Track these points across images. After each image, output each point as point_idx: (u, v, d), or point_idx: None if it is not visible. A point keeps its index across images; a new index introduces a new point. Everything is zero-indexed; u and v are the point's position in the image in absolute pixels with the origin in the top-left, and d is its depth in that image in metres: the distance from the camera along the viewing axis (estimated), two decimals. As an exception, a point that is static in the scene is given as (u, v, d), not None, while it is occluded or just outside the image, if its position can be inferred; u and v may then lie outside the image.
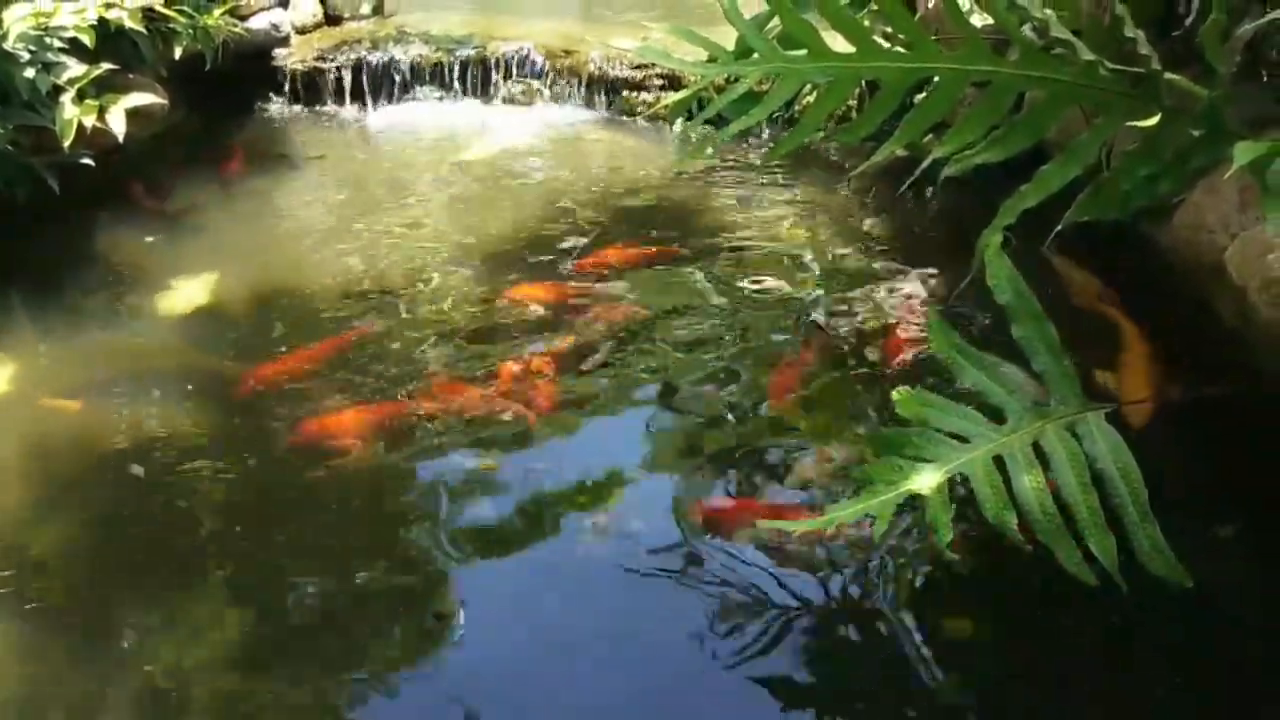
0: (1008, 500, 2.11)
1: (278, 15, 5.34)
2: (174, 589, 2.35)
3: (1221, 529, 2.41)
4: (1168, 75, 2.23)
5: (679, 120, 4.93)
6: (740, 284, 3.53)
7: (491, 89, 5.26)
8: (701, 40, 2.65)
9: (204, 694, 2.10)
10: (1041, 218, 2.47)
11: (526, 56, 5.23)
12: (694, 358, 3.14)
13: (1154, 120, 2.21)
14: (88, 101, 3.97)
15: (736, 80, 2.60)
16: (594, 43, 5.23)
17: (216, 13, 4.73)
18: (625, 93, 5.13)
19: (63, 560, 2.44)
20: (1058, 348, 2.33)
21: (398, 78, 5.28)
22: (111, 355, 3.19)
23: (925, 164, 2.59)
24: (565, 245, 3.81)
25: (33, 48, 3.92)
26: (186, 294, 3.50)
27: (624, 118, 5.11)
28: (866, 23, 2.51)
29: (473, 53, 5.28)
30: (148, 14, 4.38)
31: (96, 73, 4.03)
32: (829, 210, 4.16)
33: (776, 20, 2.66)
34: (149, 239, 3.89)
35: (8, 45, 3.85)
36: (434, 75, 5.28)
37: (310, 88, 5.29)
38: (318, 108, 5.28)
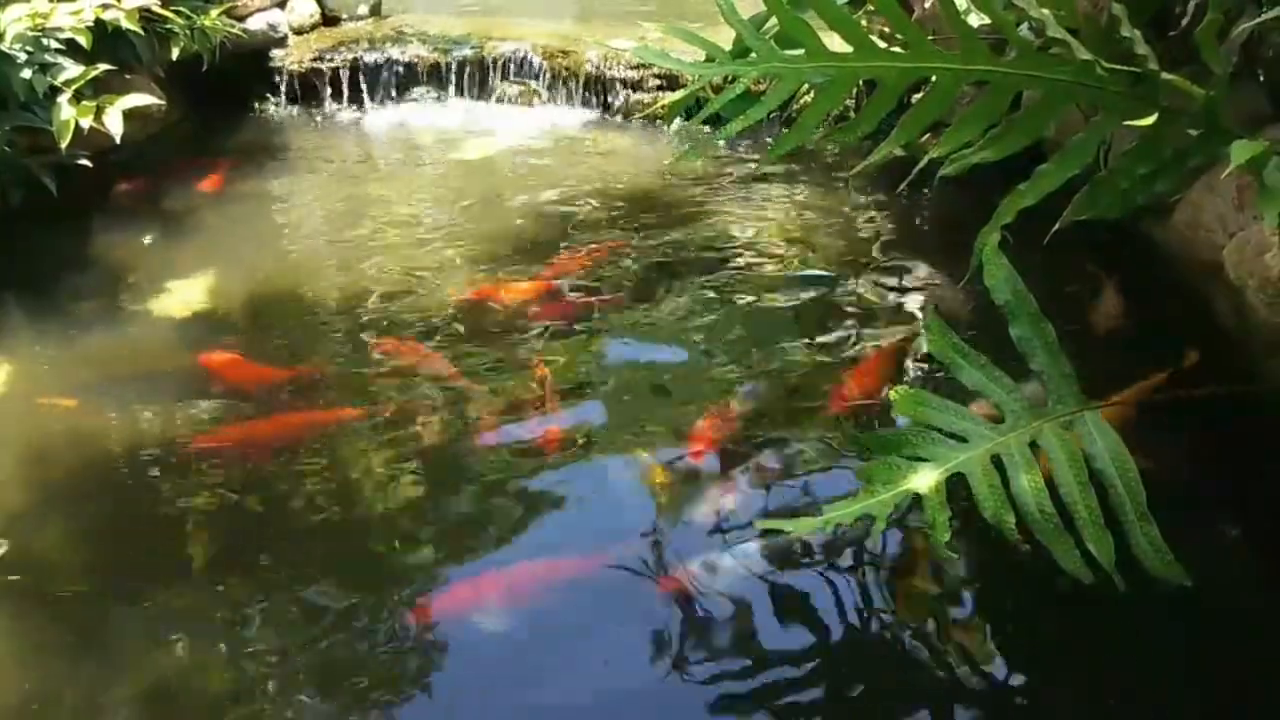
0: (1006, 500, 2.11)
1: (275, 16, 5.35)
2: (173, 588, 2.34)
3: (1220, 528, 2.41)
4: (1165, 75, 2.23)
5: (676, 120, 4.93)
6: (736, 284, 3.54)
7: (489, 89, 5.26)
8: (699, 40, 2.64)
9: (204, 693, 2.10)
10: (1039, 217, 2.47)
11: (524, 57, 5.24)
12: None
13: (1151, 119, 2.21)
14: (85, 102, 3.97)
15: (734, 80, 2.60)
16: (591, 43, 5.23)
17: (214, 13, 4.73)
18: (623, 93, 5.13)
19: (60, 560, 2.44)
20: (1055, 347, 2.33)
21: (395, 78, 5.28)
22: (109, 356, 3.18)
23: (923, 163, 2.59)
24: (563, 245, 3.81)
25: (29, 48, 3.92)
26: (183, 295, 3.50)
27: (621, 118, 5.12)
28: (864, 23, 2.51)
29: (470, 53, 5.28)
30: (145, 15, 4.38)
31: (93, 73, 4.03)
32: (827, 210, 4.16)
33: (774, 20, 2.66)
34: (146, 240, 3.89)
35: (4, 46, 3.85)
36: (431, 76, 5.28)
37: (308, 88, 5.29)
38: (315, 108, 5.28)
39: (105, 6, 4.20)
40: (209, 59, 4.71)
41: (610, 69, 5.13)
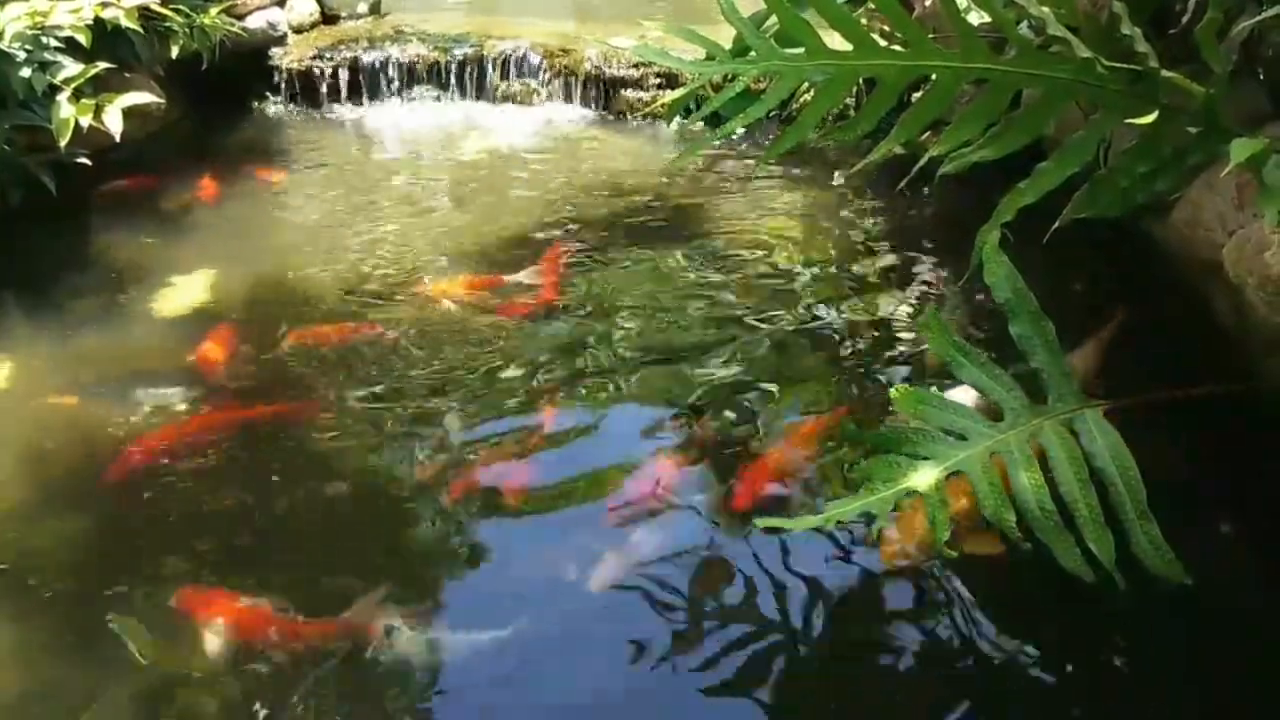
0: (1006, 498, 2.11)
1: (275, 14, 5.35)
2: (174, 587, 2.34)
3: (1220, 527, 2.41)
4: (1165, 73, 2.23)
5: (676, 119, 4.93)
6: (736, 283, 3.54)
7: (488, 88, 5.26)
8: (699, 39, 2.64)
9: (204, 693, 2.10)
10: (1039, 215, 2.48)
11: (523, 56, 5.23)
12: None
13: (1151, 117, 2.21)
14: (84, 100, 3.96)
15: (734, 79, 2.60)
16: (591, 41, 5.23)
17: (213, 11, 4.73)
18: (622, 91, 5.13)
19: (60, 559, 2.43)
20: (1055, 345, 2.33)
21: (394, 77, 5.27)
22: (108, 354, 3.18)
23: (922, 162, 2.59)
24: (562, 244, 3.82)
25: (29, 47, 3.92)
26: (183, 293, 3.50)
27: (621, 117, 5.11)
28: (864, 21, 2.51)
29: (469, 52, 5.28)
30: (144, 13, 4.37)
31: (93, 72, 4.02)
32: (826, 208, 4.16)
33: (774, 19, 2.66)
34: (146, 238, 3.88)
35: (4, 44, 3.85)
36: (431, 74, 5.28)
37: (307, 87, 5.28)
38: (314, 107, 5.28)
39: (105, 5, 4.20)
40: (208, 57, 4.71)
41: (610, 67, 5.12)
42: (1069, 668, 2.13)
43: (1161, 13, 2.70)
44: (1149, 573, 2.06)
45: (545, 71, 5.20)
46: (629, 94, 5.11)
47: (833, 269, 3.65)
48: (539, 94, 5.22)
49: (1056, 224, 2.49)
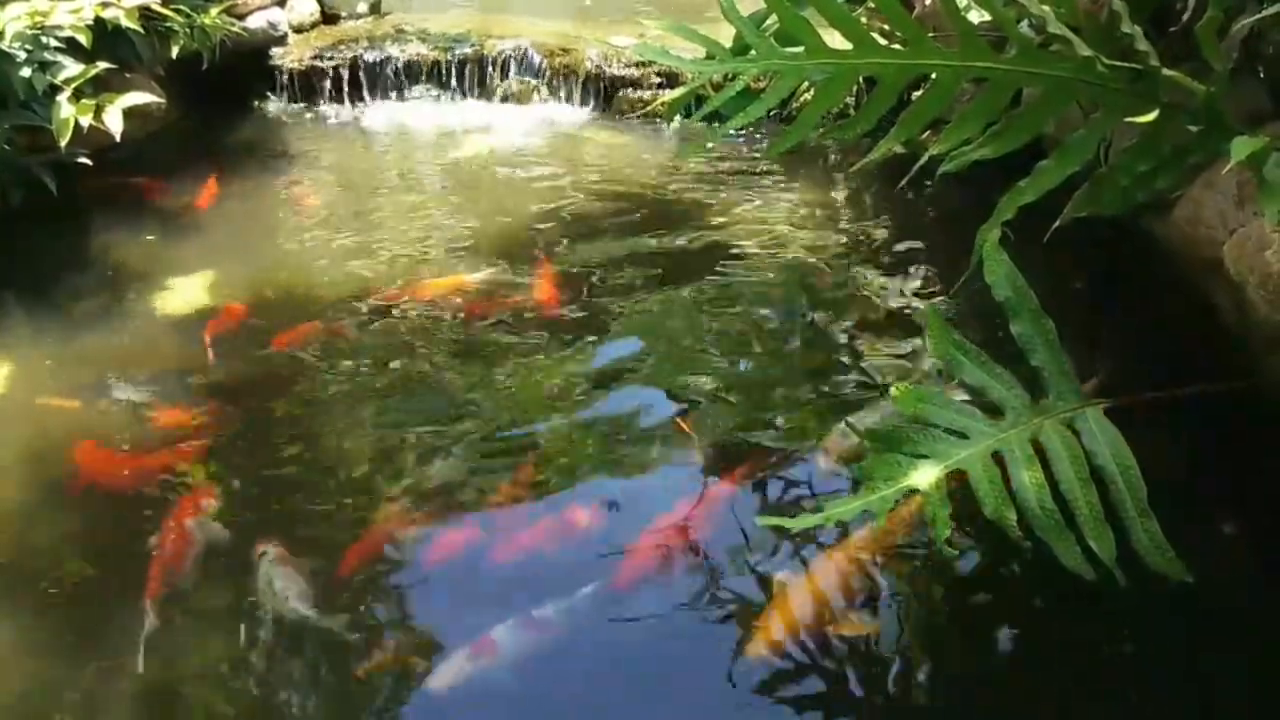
0: (1006, 496, 2.11)
1: (275, 14, 5.34)
2: (174, 586, 2.34)
3: (1221, 525, 2.41)
4: (1165, 71, 2.23)
5: (676, 118, 4.93)
6: (735, 282, 3.54)
7: (489, 87, 5.26)
8: (699, 38, 2.64)
9: (204, 692, 2.10)
10: (1040, 214, 2.47)
11: (524, 55, 5.23)
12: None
13: (1152, 116, 2.21)
14: (84, 100, 3.96)
15: (734, 77, 2.60)
16: (591, 41, 5.23)
17: (214, 11, 4.73)
18: (622, 91, 5.12)
19: (60, 559, 2.44)
20: (1056, 344, 2.33)
21: (395, 76, 5.27)
22: (110, 355, 3.18)
23: (923, 160, 2.59)
24: (562, 244, 3.82)
25: (29, 47, 3.92)
26: (185, 293, 3.50)
27: (621, 116, 5.11)
28: (863, 20, 2.51)
29: (470, 51, 5.27)
30: (145, 13, 4.37)
31: (93, 72, 4.02)
32: (827, 207, 4.16)
33: (774, 18, 2.66)
34: (147, 238, 3.88)
35: (4, 44, 3.85)
36: (431, 74, 5.28)
37: (307, 86, 5.28)
38: (315, 106, 5.28)
39: (105, 5, 4.19)
40: (209, 57, 4.71)
41: (610, 67, 5.12)
42: (1068, 666, 2.13)
43: (1162, 11, 2.70)
44: (1149, 570, 2.06)
45: (545, 71, 5.20)
46: (629, 93, 5.11)
47: (832, 267, 3.64)
48: (539, 93, 5.22)
49: (1057, 222, 2.49)
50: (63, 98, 3.92)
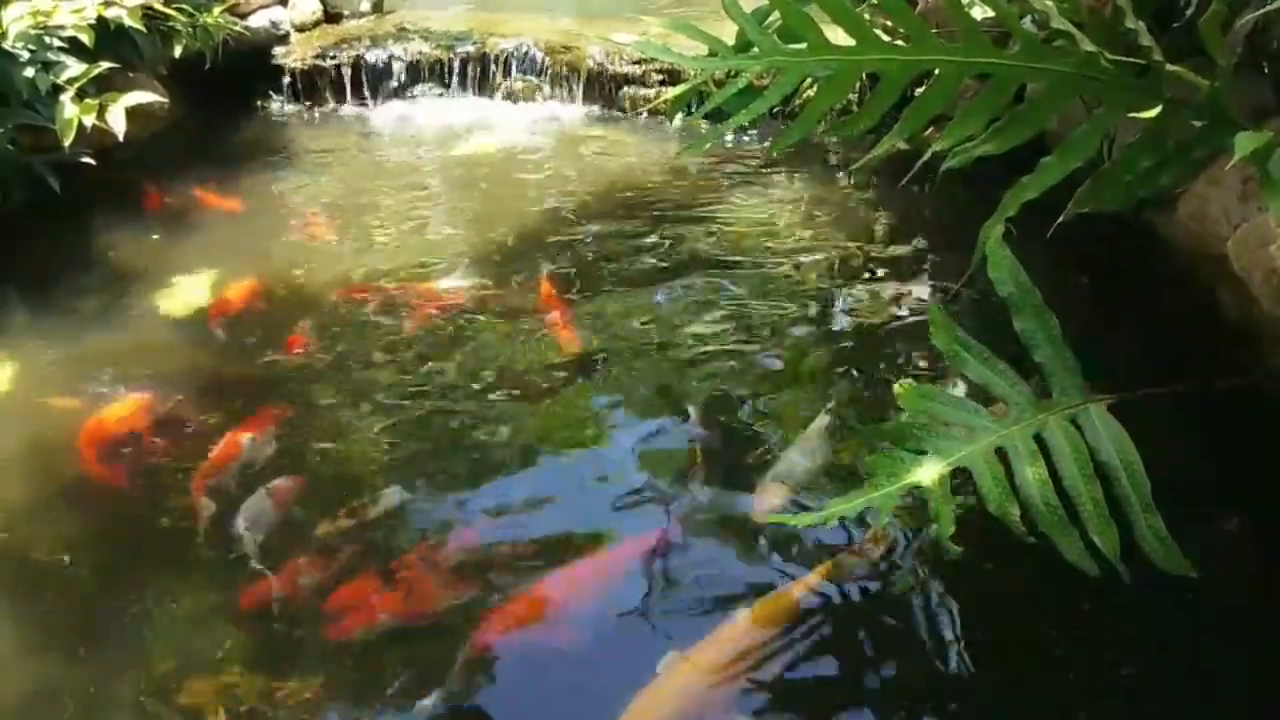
0: (1010, 492, 2.11)
1: (277, 13, 5.35)
2: (174, 587, 2.35)
3: (1225, 521, 2.41)
4: (1169, 66, 2.23)
5: (679, 115, 4.92)
6: (738, 280, 3.53)
7: (491, 85, 5.26)
8: (701, 35, 2.64)
9: (204, 691, 2.10)
10: (1043, 210, 2.47)
11: (526, 53, 5.23)
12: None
13: (1155, 111, 2.20)
14: (87, 100, 3.97)
15: (736, 74, 2.60)
16: (593, 38, 5.22)
17: (216, 11, 4.73)
18: (625, 88, 5.12)
19: (60, 558, 2.44)
20: (1059, 339, 2.33)
21: (397, 75, 5.27)
22: (112, 355, 3.19)
23: (926, 157, 2.59)
24: (565, 242, 3.82)
25: (32, 46, 3.92)
26: (187, 293, 3.51)
27: (624, 113, 5.11)
28: (866, 16, 2.50)
29: (472, 49, 5.27)
30: (147, 12, 4.38)
31: (96, 71, 4.02)
32: (830, 204, 4.15)
33: (776, 14, 2.66)
34: (150, 237, 3.89)
35: (7, 44, 3.85)
36: (434, 72, 5.28)
37: (310, 85, 5.28)
38: (318, 105, 5.28)
39: (108, 4, 4.20)
40: (212, 57, 4.71)
41: (613, 64, 5.12)
42: (1069, 662, 2.13)
43: (1165, 6, 2.70)
44: (1153, 566, 2.06)
45: (548, 68, 5.20)
46: (632, 90, 5.10)
47: (836, 264, 3.64)
48: (541, 91, 5.21)
49: (1060, 218, 2.48)
50: (66, 97, 3.92)
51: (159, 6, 4.44)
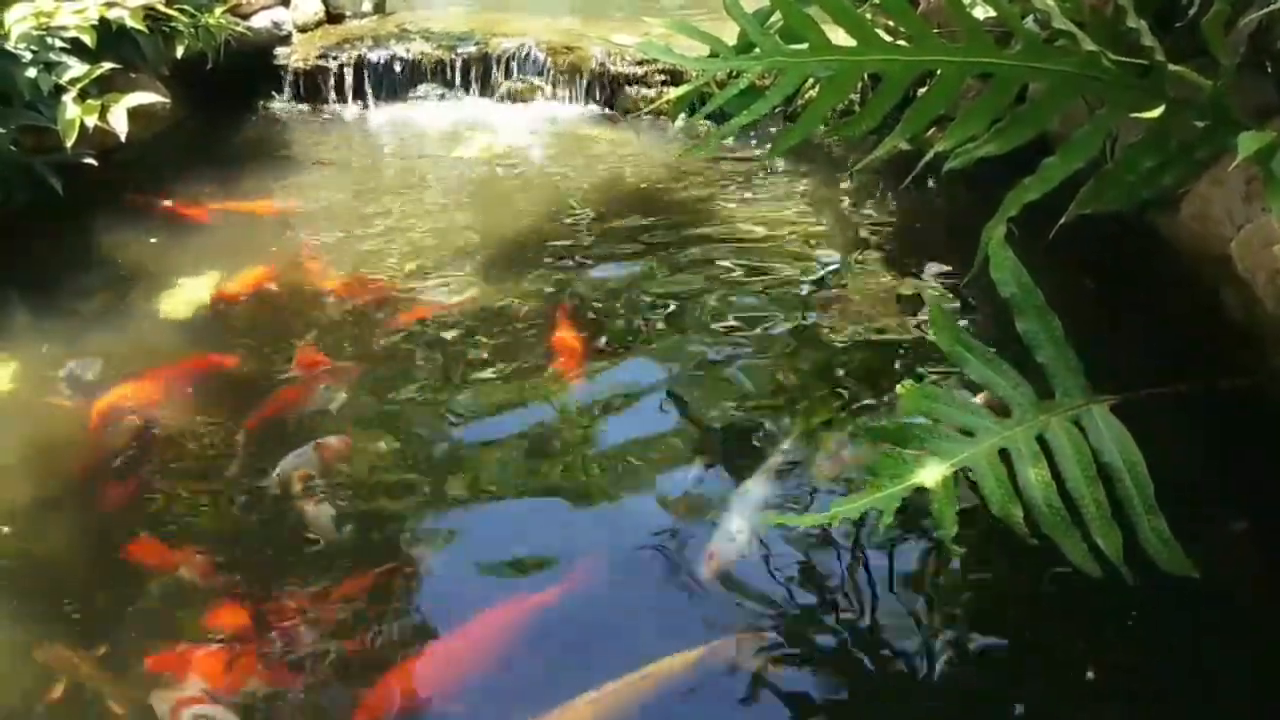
0: (1013, 494, 2.10)
1: (279, 14, 5.35)
2: (177, 585, 2.35)
3: (1228, 522, 2.40)
4: (1172, 66, 2.22)
5: (681, 115, 4.92)
6: (739, 279, 3.53)
7: (493, 86, 5.26)
8: (703, 35, 2.64)
9: (206, 692, 2.10)
10: (1045, 210, 2.47)
11: (528, 53, 5.23)
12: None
13: (1158, 111, 2.20)
14: (89, 101, 3.97)
15: (738, 75, 2.60)
16: (595, 39, 5.22)
17: (218, 11, 4.73)
18: (627, 89, 5.12)
19: (64, 558, 2.44)
20: (1062, 340, 2.32)
21: (399, 75, 5.28)
22: (114, 355, 3.19)
23: (928, 157, 2.58)
24: (567, 242, 3.81)
25: (34, 47, 3.92)
26: (190, 293, 3.51)
27: (626, 114, 5.11)
28: (868, 16, 2.50)
29: (474, 50, 5.27)
30: (149, 13, 4.38)
31: (98, 72, 4.02)
32: (831, 204, 4.15)
33: (778, 15, 2.65)
34: (152, 238, 3.89)
35: (9, 45, 3.85)
36: (436, 72, 5.28)
37: (312, 86, 5.29)
38: (320, 106, 5.28)
39: (110, 5, 4.20)
40: (213, 57, 4.71)
41: (614, 64, 5.12)
42: (1071, 663, 2.13)
43: (1168, 6, 2.69)
44: (1156, 567, 2.05)
45: (549, 69, 5.20)
46: (633, 91, 5.10)
47: (838, 265, 3.64)
48: (543, 91, 5.21)
49: (1063, 219, 2.48)
50: (68, 98, 3.92)
51: (161, 7, 4.44)
